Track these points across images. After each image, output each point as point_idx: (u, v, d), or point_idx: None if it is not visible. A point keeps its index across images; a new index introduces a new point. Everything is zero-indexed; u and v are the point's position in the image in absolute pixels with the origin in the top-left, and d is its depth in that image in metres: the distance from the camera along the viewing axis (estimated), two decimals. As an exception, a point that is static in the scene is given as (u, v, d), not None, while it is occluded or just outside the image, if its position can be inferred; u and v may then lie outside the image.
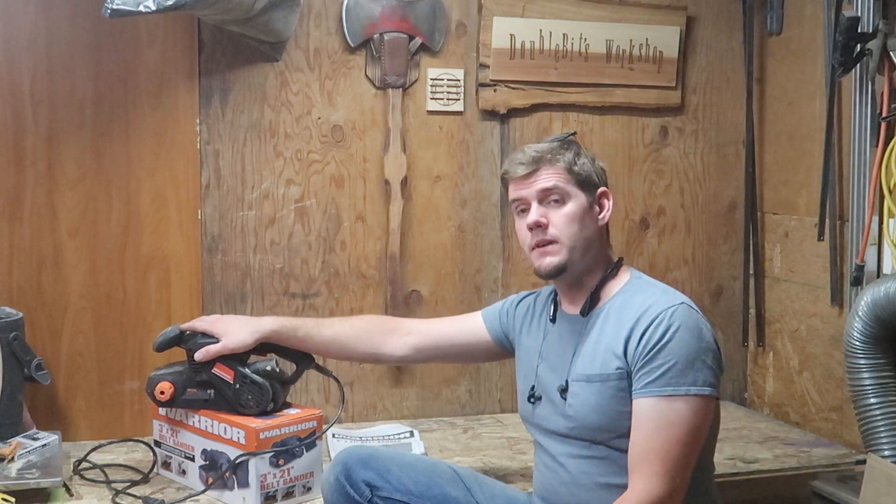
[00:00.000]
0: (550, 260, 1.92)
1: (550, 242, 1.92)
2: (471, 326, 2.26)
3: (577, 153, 1.97)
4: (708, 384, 1.80)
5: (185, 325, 2.28)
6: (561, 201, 1.93)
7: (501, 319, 2.21)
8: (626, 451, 1.84)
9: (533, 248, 1.94)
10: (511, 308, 2.20)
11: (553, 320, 2.03)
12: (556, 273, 1.93)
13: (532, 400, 2.01)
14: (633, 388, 1.83)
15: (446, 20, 2.83)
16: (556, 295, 2.05)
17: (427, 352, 2.29)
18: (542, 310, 2.10)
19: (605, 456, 1.89)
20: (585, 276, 1.96)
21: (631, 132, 3.02)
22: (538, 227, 1.92)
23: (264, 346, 2.26)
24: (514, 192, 1.98)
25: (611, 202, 1.99)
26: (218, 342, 2.21)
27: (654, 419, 1.79)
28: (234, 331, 2.21)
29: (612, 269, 1.97)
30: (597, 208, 1.97)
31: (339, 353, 2.33)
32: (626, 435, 1.85)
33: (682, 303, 1.86)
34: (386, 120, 2.80)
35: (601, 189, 1.98)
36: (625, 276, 1.98)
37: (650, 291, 1.92)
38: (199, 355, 2.20)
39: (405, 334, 2.27)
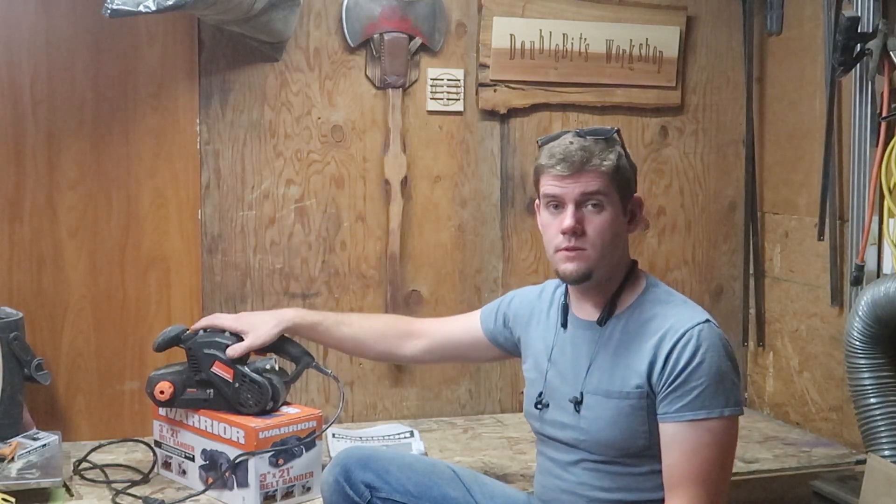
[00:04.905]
0: (578, 266, 1.84)
1: (581, 249, 1.83)
2: (469, 326, 2.24)
3: (620, 155, 1.86)
4: (736, 402, 1.80)
5: (204, 323, 2.28)
6: (600, 207, 1.82)
7: (497, 319, 2.18)
8: (632, 468, 1.84)
9: (559, 251, 1.85)
10: (507, 306, 2.16)
11: (564, 325, 1.97)
12: (581, 280, 1.86)
13: (539, 406, 1.97)
14: (663, 412, 1.79)
15: (446, 20, 2.83)
16: (565, 296, 1.99)
17: (436, 353, 2.31)
18: (549, 308, 2.04)
19: (610, 471, 1.87)
20: (604, 282, 1.89)
21: (631, 132, 3.01)
22: (573, 233, 1.82)
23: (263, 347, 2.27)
24: (549, 188, 1.85)
25: (642, 211, 1.92)
26: (225, 339, 2.23)
27: (691, 442, 1.76)
28: (259, 325, 2.23)
29: (628, 275, 1.91)
30: (628, 215, 1.89)
31: (353, 351, 2.39)
32: (637, 454, 1.84)
33: (707, 320, 1.82)
34: (386, 120, 2.80)
35: (636, 196, 1.90)
36: (640, 283, 1.92)
37: (670, 304, 1.87)
38: (231, 352, 2.21)
39: (417, 337, 2.28)
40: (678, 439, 1.78)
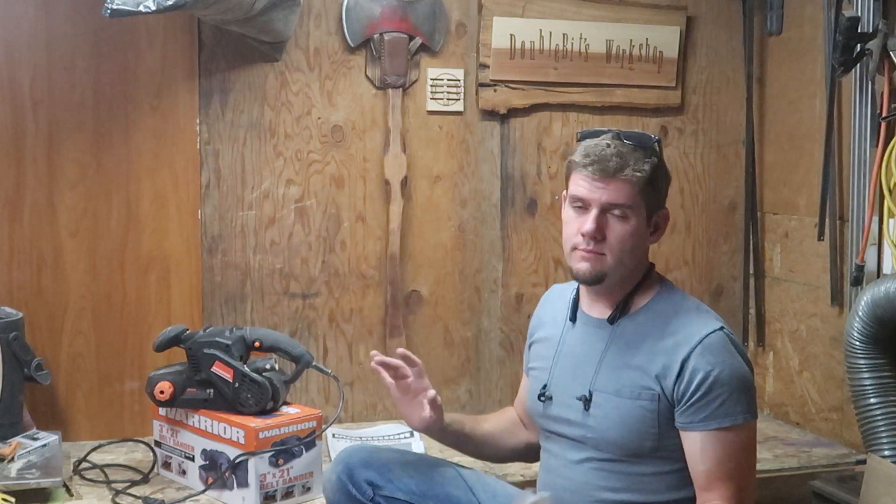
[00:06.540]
0: (592, 267, 1.82)
1: (598, 253, 1.82)
2: (526, 385, 2.12)
3: (656, 167, 1.83)
4: (754, 408, 1.82)
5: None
6: (624, 217, 1.81)
7: (526, 359, 2.11)
8: (638, 469, 1.84)
9: (576, 249, 1.84)
10: (529, 337, 2.10)
11: (573, 320, 1.96)
12: (593, 282, 1.85)
13: (542, 398, 1.96)
14: (687, 420, 1.79)
15: (446, 20, 2.83)
16: (576, 293, 1.98)
17: (533, 427, 2.09)
18: (557, 304, 2.03)
19: (615, 471, 1.86)
20: (617, 284, 1.88)
21: (631, 132, 3.01)
22: (592, 237, 1.81)
23: (263, 346, 2.27)
24: (577, 188, 1.83)
25: (666, 225, 1.90)
26: (224, 339, 2.25)
27: (719, 449, 1.77)
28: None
29: (644, 278, 1.90)
30: (652, 227, 1.87)
31: (493, 447, 2.12)
32: (644, 455, 1.84)
33: (722, 328, 1.82)
34: (386, 120, 2.79)
35: (663, 211, 1.88)
36: (655, 285, 1.91)
37: (684, 309, 1.87)
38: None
39: (521, 422, 2.15)
40: (708, 447, 1.78)
